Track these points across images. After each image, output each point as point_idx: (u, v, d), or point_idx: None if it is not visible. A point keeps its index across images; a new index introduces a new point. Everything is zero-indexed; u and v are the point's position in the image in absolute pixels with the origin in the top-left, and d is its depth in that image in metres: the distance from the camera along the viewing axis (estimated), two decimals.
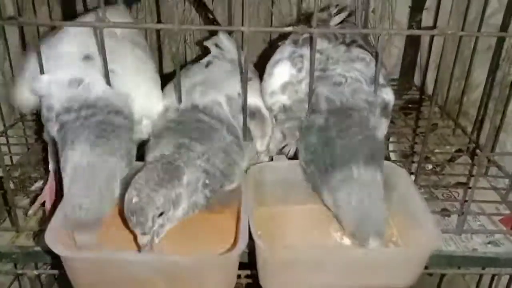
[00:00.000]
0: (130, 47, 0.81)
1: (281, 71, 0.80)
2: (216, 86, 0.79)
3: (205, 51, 1.01)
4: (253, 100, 0.76)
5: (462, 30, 1.28)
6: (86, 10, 1.53)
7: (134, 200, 0.63)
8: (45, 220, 0.91)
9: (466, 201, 0.89)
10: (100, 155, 0.66)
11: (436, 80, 1.42)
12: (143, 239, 0.64)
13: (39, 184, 1.04)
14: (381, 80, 0.79)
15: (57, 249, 0.61)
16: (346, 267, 0.65)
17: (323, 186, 0.72)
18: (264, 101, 0.82)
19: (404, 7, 1.58)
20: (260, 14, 1.57)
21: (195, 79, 0.82)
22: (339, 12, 0.93)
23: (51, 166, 0.93)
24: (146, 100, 0.76)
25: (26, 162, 1.12)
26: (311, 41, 0.69)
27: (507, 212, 0.99)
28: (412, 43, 1.60)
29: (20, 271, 0.87)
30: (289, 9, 1.56)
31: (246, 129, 0.74)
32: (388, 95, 0.79)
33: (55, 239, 0.62)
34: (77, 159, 0.66)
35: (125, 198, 0.64)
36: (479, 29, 1.22)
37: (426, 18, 1.55)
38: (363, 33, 0.93)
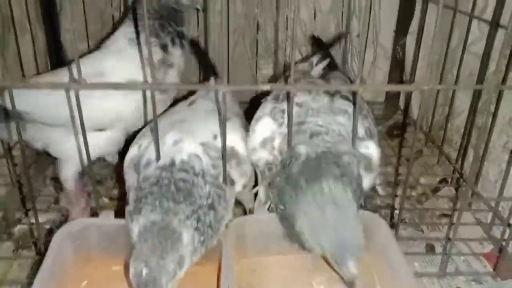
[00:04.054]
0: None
1: (262, 127, 0.80)
2: (192, 131, 0.78)
3: None
4: (228, 141, 0.73)
5: (446, 54, 1.29)
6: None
7: (145, 271, 0.62)
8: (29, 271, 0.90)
9: (449, 239, 0.90)
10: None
11: (420, 107, 1.43)
12: None
13: (22, 226, 1.04)
14: (363, 134, 0.78)
15: None
16: None
17: (296, 213, 0.68)
18: (250, 159, 0.82)
19: (388, 31, 1.59)
20: (246, 40, 1.57)
21: (172, 119, 0.83)
22: (320, 61, 0.93)
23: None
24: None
25: (9, 203, 1.11)
26: (288, 97, 0.69)
27: (491, 246, 1.00)
28: (397, 66, 1.61)
29: None
30: (274, 35, 1.56)
31: (226, 175, 0.74)
32: (370, 149, 0.77)
33: None
34: None
35: (132, 272, 0.63)
36: (462, 54, 1.23)
37: (410, 41, 1.56)
38: (342, 71, 0.93)
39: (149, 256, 0.63)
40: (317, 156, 0.71)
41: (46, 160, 1.31)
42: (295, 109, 0.73)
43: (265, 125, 0.80)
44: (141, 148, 0.78)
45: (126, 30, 1.02)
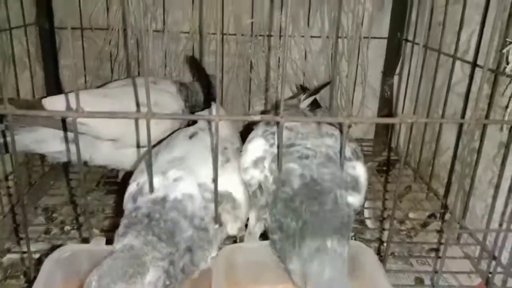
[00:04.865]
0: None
1: (254, 147, 0.84)
2: (191, 169, 0.79)
3: None
4: (226, 185, 0.77)
5: (431, 97, 1.35)
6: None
7: (94, 285, 0.62)
8: None
9: (436, 272, 0.90)
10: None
11: (408, 144, 1.47)
12: None
13: (11, 255, 1.03)
14: (350, 154, 0.81)
15: None
16: None
17: (292, 255, 0.71)
18: (242, 178, 0.84)
19: (376, 71, 1.65)
20: (239, 78, 1.62)
21: (173, 154, 0.84)
22: (307, 97, 0.98)
23: None
24: None
25: (0, 231, 1.11)
26: (278, 127, 0.72)
27: (479, 280, 1.01)
28: (385, 106, 1.66)
29: None
30: (266, 74, 1.62)
31: (217, 213, 0.76)
32: (356, 169, 0.80)
33: None
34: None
35: (87, 279, 0.64)
36: (447, 94, 1.28)
37: (397, 81, 1.63)
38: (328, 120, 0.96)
39: (105, 274, 0.63)
40: (313, 186, 0.73)
41: (38, 190, 1.32)
42: (285, 133, 0.76)
43: (257, 145, 0.83)
44: (139, 185, 0.79)
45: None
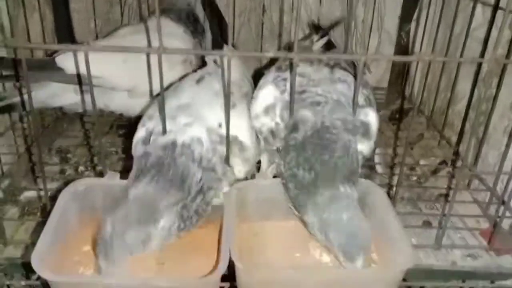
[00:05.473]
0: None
1: (265, 94, 0.82)
2: (199, 115, 0.79)
3: None
4: (231, 130, 0.76)
5: (449, 42, 1.30)
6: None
7: (109, 231, 0.65)
8: (34, 232, 0.93)
9: (444, 215, 0.91)
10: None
11: (422, 92, 1.45)
12: (102, 263, 0.66)
13: (28, 193, 1.06)
14: (362, 101, 0.80)
15: (44, 274, 0.62)
16: (323, 287, 0.67)
17: (308, 205, 0.72)
18: (253, 125, 0.83)
19: (393, 17, 1.60)
20: (251, 22, 1.58)
21: (181, 100, 0.83)
22: (320, 38, 0.95)
23: None
24: None
25: (16, 171, 1.13)
26: (291, 66, 0.70)
27: (487, 224, 1.01)
28: (401, 53, 1.62)
29: (8, 282, 0.88)
30: (279, 18, 1.57)
31: (228, 154, 0.76)
32: (368, 116, 0.80)
33: (42, 262, 0.63)
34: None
35: (102, 227, 0.66)
36: (465, 39, 1.24)
37: (414, 27, 1.57)
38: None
39: (119, 221, 0.66)
40: (323, 132, 0.73)
41: (52, 133, 1.34)
42: (297, 79, 0.75)
43: (268, 92, 0.82)
44: (148, 130, 0.80)
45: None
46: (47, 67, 1.05)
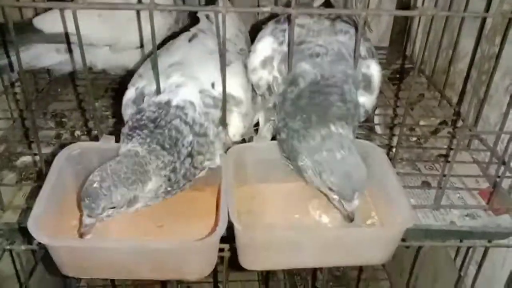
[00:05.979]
0: None
1: (263, 46, 0.80)
2: (192, 75, 0.77)
3: None
4: (229, 88, 0.74)
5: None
6: None
7: (95, 185, 0.64)
8: (31, 197, 0.92)
9: (444, 175, 0.91)
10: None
11: (424, 50, 1.42)
12: (86, 220, 0.66)
13: (24, 158, 1.05)
14: (364, 53, 0.78)
15: (41, 238, 0.62)
16: (323, 247, 0.67)
17: (300, 149, 0.70)
18: (250, 79, 0.81)
19: None
20: None
21: (174, 58, 0.81)
22: None
23: None
24: None
25: (11, 136, 1.12)
26: (289, 21, 0.68)
27: (487, 184, 1.01)
28: (403, 10, 1.57)
29: (7, 247, 0.88)
30: None
31: (225, 116, 0.74)
32: (370, 68, 0.77)
33: (38, 227, 0.63)
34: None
35: (88, 178, 0.66)
36: None
37: None
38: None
39: (107, 176, 0.65)
40: (321, 83, 0.71)
41: (46, 96, 1.31)
42: (296, 30, 0.72)
43: (266, 44, 0.80)
44: (138, 90, 0.78)
45: None
46: (25, 29, 1.05)
